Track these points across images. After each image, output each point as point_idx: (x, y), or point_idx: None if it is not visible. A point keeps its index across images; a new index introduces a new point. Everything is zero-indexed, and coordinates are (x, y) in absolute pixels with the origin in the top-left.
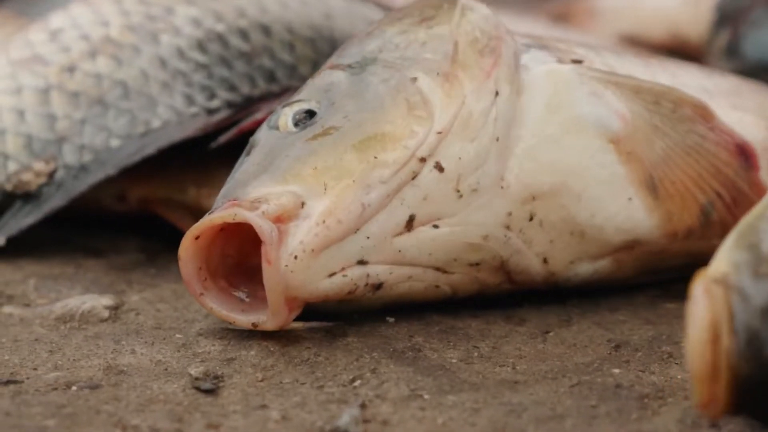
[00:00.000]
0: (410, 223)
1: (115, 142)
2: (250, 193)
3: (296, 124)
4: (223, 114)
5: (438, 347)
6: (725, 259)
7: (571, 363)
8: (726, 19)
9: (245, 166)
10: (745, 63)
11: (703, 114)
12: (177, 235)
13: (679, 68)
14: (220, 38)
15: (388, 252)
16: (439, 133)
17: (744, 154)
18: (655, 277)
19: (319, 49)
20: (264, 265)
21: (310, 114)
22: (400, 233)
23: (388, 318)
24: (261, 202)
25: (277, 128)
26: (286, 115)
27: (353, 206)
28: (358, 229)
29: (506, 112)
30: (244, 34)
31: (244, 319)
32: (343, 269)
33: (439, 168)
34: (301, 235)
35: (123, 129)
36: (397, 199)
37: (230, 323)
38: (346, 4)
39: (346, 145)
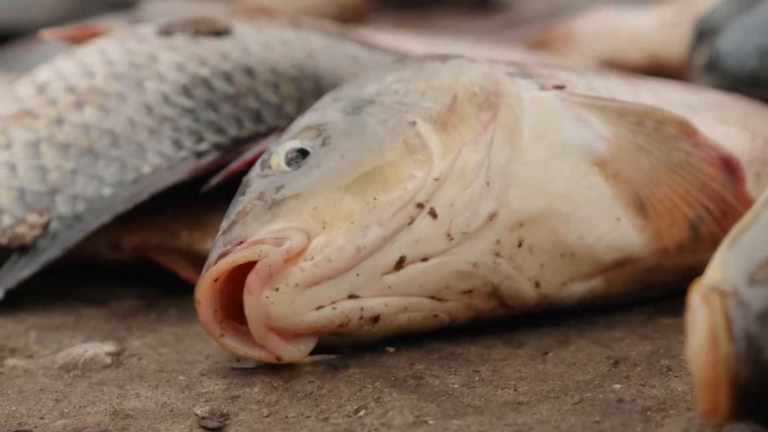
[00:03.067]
0: (400, 264)
1: (107, 191)
2: (253, 233)
3: (289, 164)
4: (211, 157)
5: (439, 373)
6: (720, 266)
7: (572, 381)
8: (704, 36)
9: (241, 206)
10: (725, 77)
11: (687, 131)
12: (173, 281)
13: (662, 86)
14: (205, 82)
15: (378, 287)
16: (437, 179)
17: (729, 167)
18: (649, 293)
19: (303, 87)
20: (245, 295)
21: (303, 153)
22: (390, 272)
23: (388, 348)
24: (284, 239)
25: (270, 167)
26: (278, 154)
27: (348, 247)
28: (350, 269)
29: (500, 155)
30: (228, 77)
31: (266, 355)
32: (333, 303)
33: (433, 214)
34: (287, 269)
35: (114, 177)
36: (390, 242)
37: (255, 359)
38: (328, 42)
39: (345, 184)
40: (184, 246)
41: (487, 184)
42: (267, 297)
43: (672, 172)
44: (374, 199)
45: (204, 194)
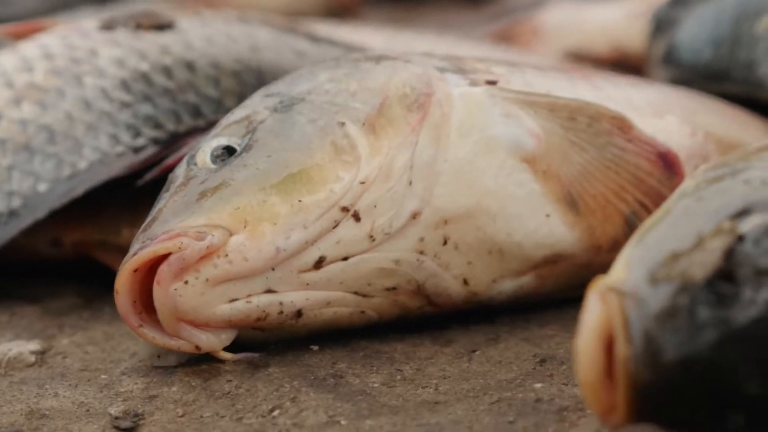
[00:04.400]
0: (319, 264)
1: (42, 186)
2: (173, 230)
3: (214, 161)
4: (149, 152)
5: (361, 372)
6: (623, 264)
7: (494, 380)
8: (662, 28)
9: (164, 202)
10: (682, 70)
11: (621, 126)
12: (113, 278)
13: (606, 81)
14: (144, 77)
15: (295, 283)
16: (363, 183)
17: (666, 162)
18: (584, 290)
19: (244, 81)
20: (154, 286)
21: (230, 150)
22: (308, 270)
23: (312, 346)
24: (206, 233)
25: (195, 164)
26: (204, 151)
27: (267, 249)
28: (267, 269)
29: (425, 154)
30: (167, 72)
31: (185, 345)
32: (248, 296)
33: (356, 217)
34: (199, 263)
35: (50, 173)
36: (311, 245)
37: (174, 349)
38: (274, 36)
39: (271, 186)
40: (125, 243)
41: (410, 183)
42: (175, 289)
43: (606, 168)
44: (299, 201)
45: (146, 191)
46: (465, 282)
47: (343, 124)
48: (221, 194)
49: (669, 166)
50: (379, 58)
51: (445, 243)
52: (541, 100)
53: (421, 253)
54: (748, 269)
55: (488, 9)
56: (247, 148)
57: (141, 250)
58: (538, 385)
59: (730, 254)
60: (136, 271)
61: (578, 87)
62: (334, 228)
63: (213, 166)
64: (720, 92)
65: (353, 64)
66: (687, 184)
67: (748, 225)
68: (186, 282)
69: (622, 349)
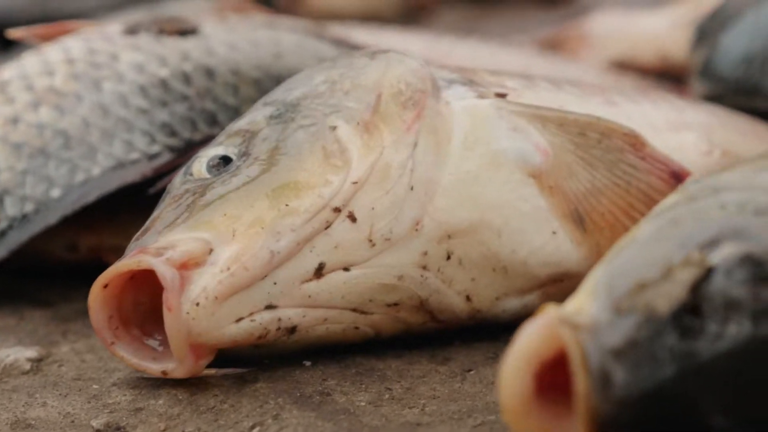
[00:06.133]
0: (319, 271)
1: (56, 192)
2: (159, 241)
3: (209, 171)
4: (163, 159)
5: (349, 390)
6: (588, 293)
7: (482, 402)
8: (703, 40)
9: (157, 213)
10: (717, 84)
11: (634, 143)
12: None
13: (623, 97)
14: (163, 83)
15: (297, 297)
16: (355, 183)
17: (680, 180)
18: None
19: (264, 89)
20: (165, 312)
21: (225, 160)
22: (309, 279)
23: (305, 361)
24: (167, 248)
25: (191, 174)
26: (200, 161)
27: (261, 253)
28: (265, 276)
29: (425, 160)
30: (186, 78)
31: (154, 367)
32: (251, 314)
33: (352, 218)
34: (205, 281)
35: (63, 178)
36: (307, 248)
37: (142, 372)
38: (300, 42)
39: (259, 193)
40: None
41: (411, 188)
42: (188, 313)
43: (615, 185)
44: (286, 205)
45: (160, 197)
46: (468, 298)
47: (334, 127)
48: (208, 204)
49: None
50: (374, 54)
51: (448, 258)
52: (551, 114)
53: (425, 268)
54: (715, 303)
55: (564, 9)
56: (242, 158)
57: (118, 262)
58: None
59: (697, 288)
60: (106, 286)
61: (592, 102)
62: (327, 228)
63: (208, 176)
64: (751, 108)
65: (348, 63)
66: (670, 199)
67: (719, 256)
68: (197, 304)
69: (581, 383)
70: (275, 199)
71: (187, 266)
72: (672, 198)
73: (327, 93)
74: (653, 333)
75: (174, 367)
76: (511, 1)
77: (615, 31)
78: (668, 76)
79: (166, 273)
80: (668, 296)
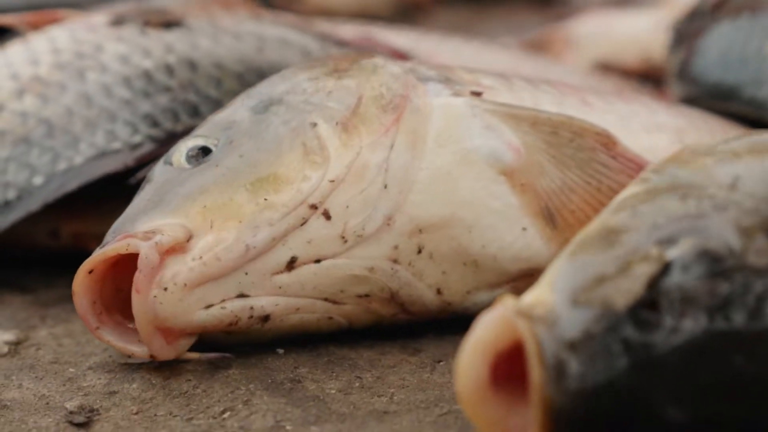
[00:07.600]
0: (291, 264)
1: (38, 180)
2: (139, 228)
3: (189, 161)
4: (145, 149)
5: (320, 378)
6: (547, 285)
7: (450, 393)
8: (680, 42)
9: (136, 201)
10: (693, 86)
11: (606, 142)
12: None
13: (597, 97)
14: (146, 74)
15: (268, 287)
16: (332, 181)
17: None
18: None
19: (247, 82)
20: (133, 294)
21: (205, 151)
22: (281, 272)
23: (278, 349)
24: (155, 233)
25: (170, 164)
26: (180, 151)
27: (236, 246)
28: (239, 268)
29: (401, 159)
30: (169, 70)
31: (139, 351)
32: (222, 301)
33: (327, 216)
34: (177, 267)
35: (46, 166)
36: (280, 242)
37: (128, 356)
38: (284, 37)
39: (238, 185)
40: None
41: (385, 186)
42: (155, 296)
43: (586, 183)
44: (265, 200)
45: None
46: (439, 292)
47: (315, 124)
48: (188, 194)
49: None
50: (358, 57)
51: (419, 252)
52: (524, 113)
53: (395, 261)
54: (672, 298)
55: (557, 10)
56: (221, 148)
57: (99, 250)
58: None
59: (654, 282)
60: (91, 272)
61: (567, 102)
62: (302, 225)
63: (187, 166)
64: (727, 112)
65: (333, 64)
66: (629, 190)
67: (676, 252)
68: (165, 289)
69: (537, 374)
70: (254, 193)
71: (173, 251)
72: (631, 189)
73: (310, 90)
74: (609, 326)
75: (149, 351)
76: (508, 2)
77: (598, 32)
78: (651, 78)
79: (150, 256)
80: (626, 291)
